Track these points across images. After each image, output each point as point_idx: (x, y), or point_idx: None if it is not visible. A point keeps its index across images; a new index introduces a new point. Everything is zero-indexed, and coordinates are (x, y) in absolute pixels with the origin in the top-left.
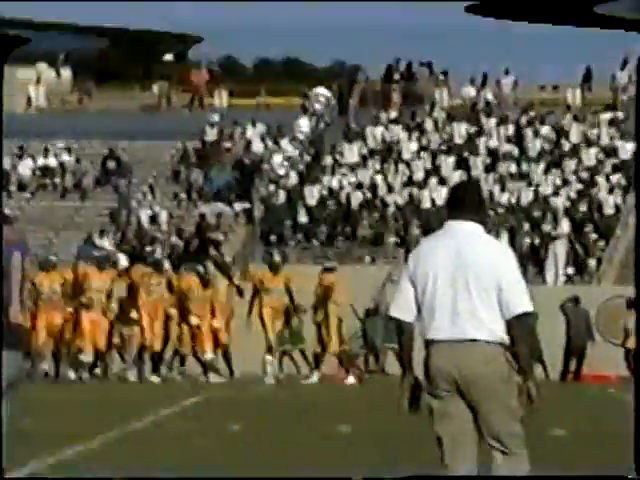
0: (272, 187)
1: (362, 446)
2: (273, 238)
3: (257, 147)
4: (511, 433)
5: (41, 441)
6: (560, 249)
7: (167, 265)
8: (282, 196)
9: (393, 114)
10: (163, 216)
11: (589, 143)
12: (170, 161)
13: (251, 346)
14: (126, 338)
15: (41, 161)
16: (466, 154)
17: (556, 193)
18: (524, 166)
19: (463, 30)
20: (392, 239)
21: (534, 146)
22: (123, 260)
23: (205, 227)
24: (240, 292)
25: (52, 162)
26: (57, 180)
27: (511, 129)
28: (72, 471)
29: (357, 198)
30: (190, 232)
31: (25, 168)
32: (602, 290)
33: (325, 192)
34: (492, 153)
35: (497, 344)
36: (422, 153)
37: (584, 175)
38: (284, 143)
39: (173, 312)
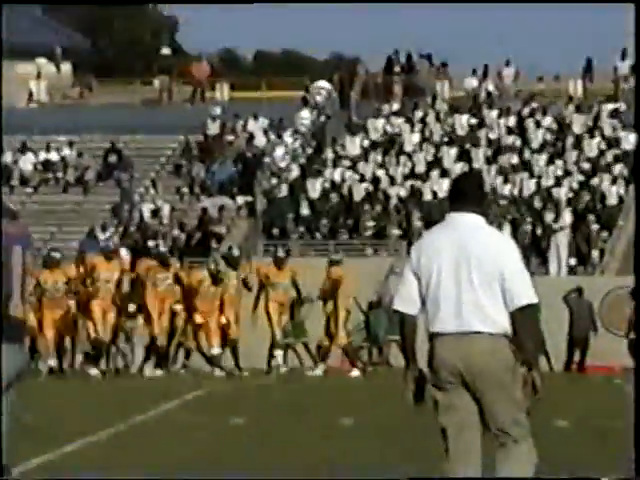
0: (274, 180)
1: (365, 439)
2: (275, 231)
3: (259, 140)
4: (517, 423)
5: (43, 436)
6: (562, 240)
7: (174, 259)
8: (284, 189)
9: (395, 106)
10: (165, 210)
11: (591, 134)
12: (172, 155)
13: (256, 341)
14: (129, 331)
15: (43, 156)
16: (468, 146)
17: (558, 184)
18: (526, 157)
19: (464, 22)
20: (394, 231)
21: (536, 137)
22: (124, 253)
23: (207, 220)
24: (248, 286)
25: (54, 157)
26: (59, 174)
27: (513, 120)
28: (74, 466)
29: (359, 191)
30: (192, 226)
31: (27, 163)
32: (605, 281)
33: (327, 185)
34: (494, 145)
35: (501, 336)
36: (424, 145)
37: (586, 166)
38: (286, 136)
39: (179, 308)
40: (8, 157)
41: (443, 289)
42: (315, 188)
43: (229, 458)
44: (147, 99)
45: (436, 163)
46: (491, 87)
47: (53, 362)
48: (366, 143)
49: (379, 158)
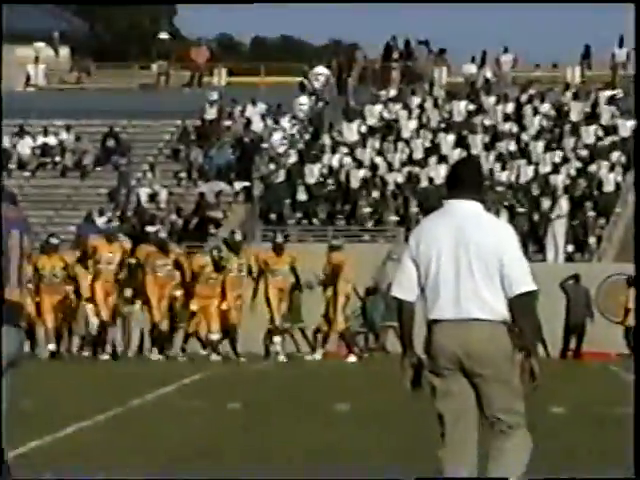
0: (272, 166)
1: (361, 424)
2: (273, 217)
3: (257, 126)
4: (512, 411)
5: (39, 420)
6: (559, 227)
7: (175, 245)
8: (282, 175)
9: (392, 92)
10: (163, 194)
11: (589, 121)
12: (170, 140)
13: (254, 326)
14: (126, 316)
15: (41, 140)
16: (465, 132)
17: (556, 171)
18: (524, 144)
19: (463, 9)
20: (392, 218)
21: (534, 124)
22: (122, 239)
23: (204, 206)
24: (250, 271)
25: (52, 141)
26: (57, 159)
27: (511, 107)
28: (70, 450)
29: (357, 177)
30: (190, 210)
31: (25, 147)
32: (602, 268)
33: (325, 170)
34: (492, 131)
35: (500, 323)
36: (422, 131)
37: (584, 153)
38: (284, 122)
39: (178, 293)
40: (6, 141)
41: (442, 276)
42: (313, 174)
43: (226, 443)
44: (145, 84)
45: (434, 149)
46: (489, 74)
47: (52, 346)
48: (364, 129)
49: (377, 144)
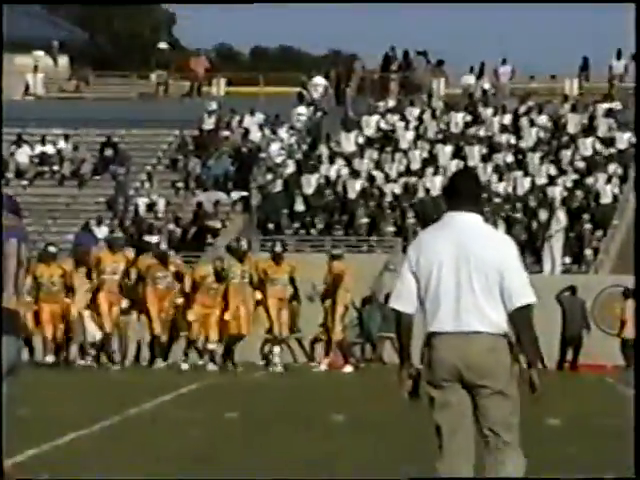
0: (269, 176)
1: (357, 435)
2: (270, 227)
3: (255, 136)
4: (509, 425)
5: (37, 429)
6: (557, 239)
7: (174, 256)
8: (279, 185)
9: (391, 103)
10: (161, 204)
11: (586, 133)
12: (168, 149)
13: (252, 335)
14: (122, 326)
15: (39, 148)
16: (463, 143)
17: (553, 183)
18: (521, 156)
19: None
20: (389, 228)
21: (531, 136)
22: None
23: (202, 215)
24: (251, 280)
25: (50, 150)
26: (55, 168)
27: (508, 118)
28: (67, 459)
29: (354, 187)
30: (187, 220)
31: (23, 155)
32: (599, 280)
33: (322, 181)
34: (489, 142)
35: (500, 335)
36: (419, 142)
37: (581, 165)
38: (282, 132)
39: (180, 301)
40: (4, 150)
41: (442, 289)
42: (310, 184)
43: (223, 452)
44: (144, 93)
45: (431, 160)
46: (487, 85)
47: (51, 358)
48: (361, 140)
49: (374, 155)
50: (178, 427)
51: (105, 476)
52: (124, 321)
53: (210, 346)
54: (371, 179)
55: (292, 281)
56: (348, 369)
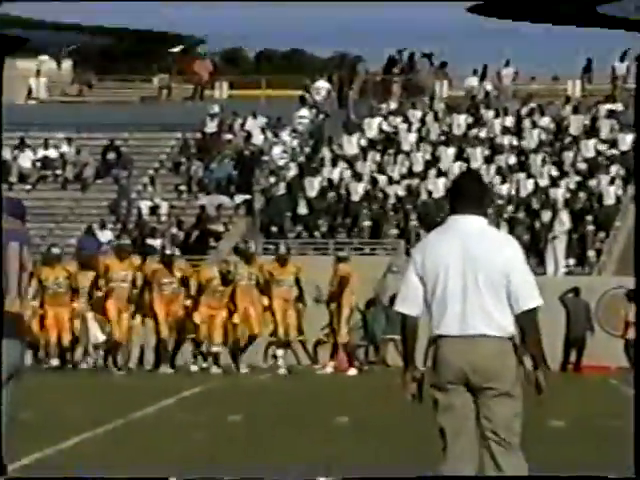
0: (272, 179)
1: (361, 438)
2: (274, 230)
3: (257, 139)
4: (512, 429)
5: (40, 433)
6: (560, 241)
7: (180, 260)
8: (282, 188)
9: (393, 105)
10: (163, 207)
11: (589, 134)
12: (170, 152)
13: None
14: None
15: (41, 152)
16: (465, 145)
17: (556, 185)
18: (523, 157)
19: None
20: (392, 230)
21: (533, 137)
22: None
23: (205, 219)
24: (258, 282)
25: (52, 153)
26: (58, 172)
27: (511, 120)
28: (71, 463)
29: (357, 190)
30: (190, 223)
31: (25, 159)
32: (602, 281)
33: (325, 184)
34: (492, 144)
35: (506, 339)
36: (422, 145)
37: (583, 167)
38: (284, 135)
39: (188, 302)
40: (6, 154)
41: (449, 292)
42: (313, 187)
43: (226, 455)
44: (146, 97)
45: (434, 162)
46: (489, 87)
47: (55, 362)
48: (364, 142)
49: (377, 157)
50: (181, 430)
51: (109, 479)
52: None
53: (214, 349)
54: (374, 182)
55: (297, 282)
56: (352, 372)
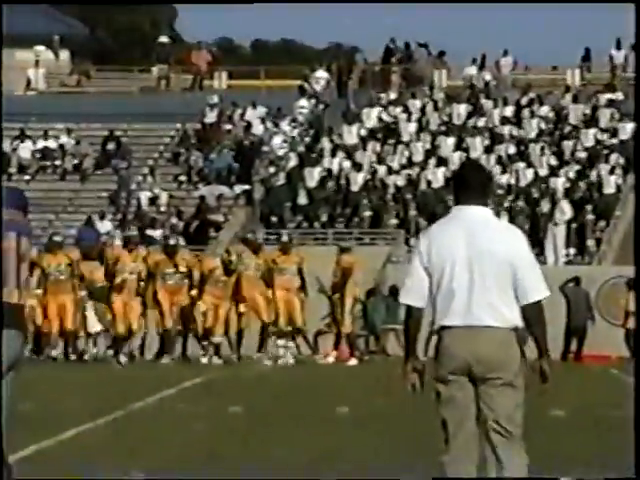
0: (272, 169)
1: (361, 428)
2: (273, 220)
3: (257, 129)
4: (514, 419)
5: (40, 423)
6: (560, 230)
7: (183, 250)
8: (282, 178)
9: (392, 95)
10: (163, 198)
11: (588, 124)
12: (170, 143)
13: (256, 329)
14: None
15: (41, 143)
16: (465, 135)
17: (555, 174)
18: (523, 147)
19: (463, 12)
20: (392, 220)
21: (533, 127)
22: (118, 244)
23: (205, 209)
24: (264, 276)
25: (52, 144)
26: (57, 162)
27: (510, 110)
28: (71, 453)
29: (356, 180)
30: (190, 214)
31: (25, 150)
32: (602, 271)
33: (325, 174)
34: (491, 134)
35: (511, 330)
36: (421, 134)
37: (583, 156)
38: (284, 125)
39: (194, 292)
40: (6, 145)
41: (455, 284)
42: (313, 177)
43: (227, 446)
44: (145, 87)
45: (433, 152)
46: (489, 76)
47: (56, 352)
48: (363, 132)
49: (377, 147)
50: (182, 421)
51: (109, 470)
52: None
53: (215, 339)
54: (373, 171)
55: (300, 272)
56: (353, 362)
